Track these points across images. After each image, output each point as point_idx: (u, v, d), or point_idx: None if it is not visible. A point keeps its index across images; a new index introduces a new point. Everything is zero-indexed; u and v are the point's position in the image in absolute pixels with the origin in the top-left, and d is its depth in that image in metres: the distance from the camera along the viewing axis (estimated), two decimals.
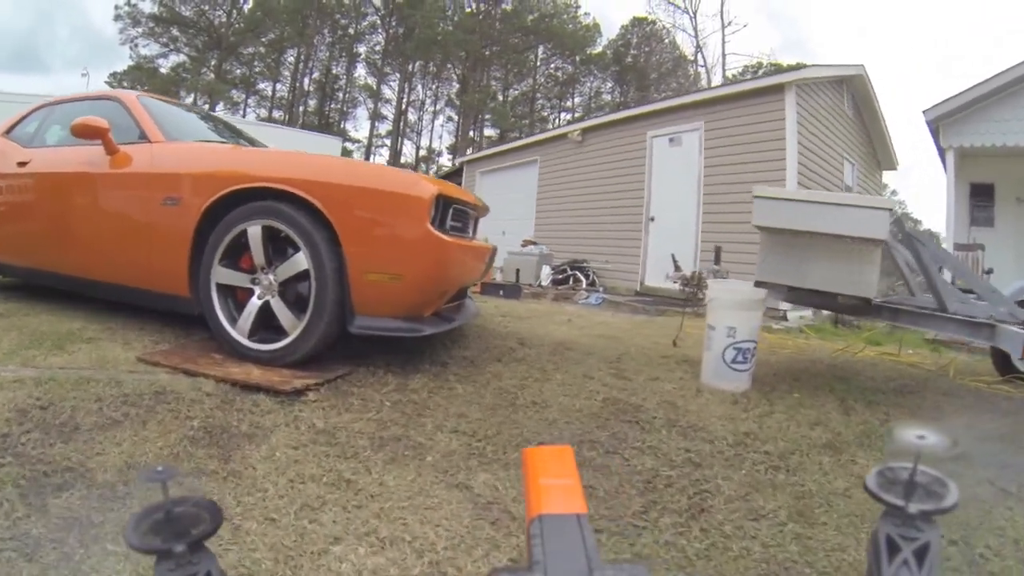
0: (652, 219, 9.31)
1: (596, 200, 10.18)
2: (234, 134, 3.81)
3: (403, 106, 39.81)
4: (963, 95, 8.24)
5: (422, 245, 2.49)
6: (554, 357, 3.27)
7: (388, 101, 39.94)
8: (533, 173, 12.02)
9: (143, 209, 2.81)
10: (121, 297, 3.12)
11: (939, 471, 0.57)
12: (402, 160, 39.72)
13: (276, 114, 37.49)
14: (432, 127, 41.47)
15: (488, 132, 40.11)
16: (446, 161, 40.62)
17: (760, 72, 36.98)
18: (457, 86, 40.20)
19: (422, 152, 41.14)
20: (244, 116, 35.28)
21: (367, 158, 39.29)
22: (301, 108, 38.69)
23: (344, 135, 37.48)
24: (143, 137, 3.02)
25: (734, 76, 36.11)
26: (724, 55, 35.21)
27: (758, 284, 3.00)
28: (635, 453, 2.05)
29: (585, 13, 39.97)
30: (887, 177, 12.21)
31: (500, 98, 39.37)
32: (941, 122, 8.55)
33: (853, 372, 3.63)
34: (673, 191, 8.95)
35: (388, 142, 40.33)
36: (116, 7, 33.96)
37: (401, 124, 39.99)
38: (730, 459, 2.07)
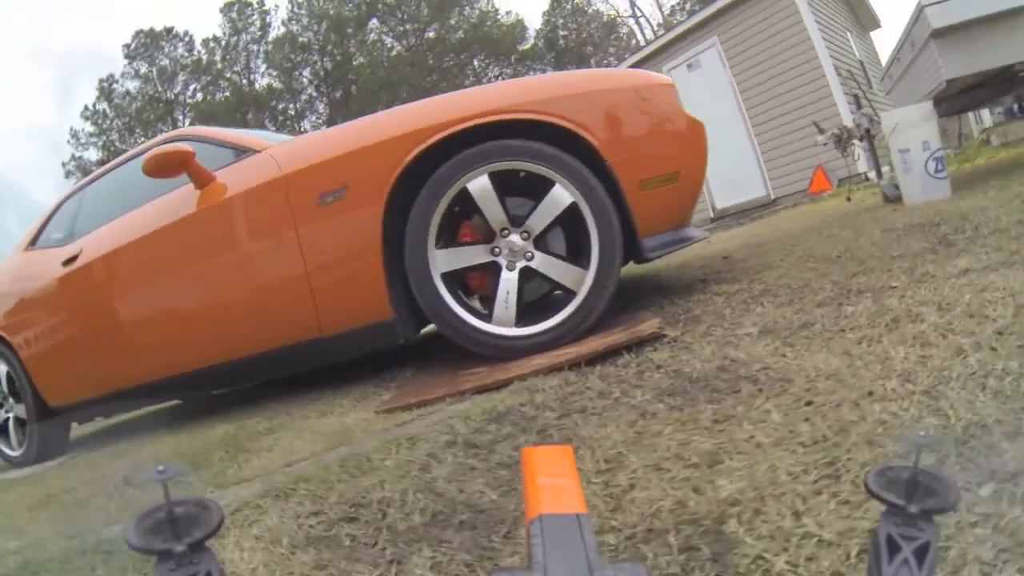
0: None
1: None
2: None
3: None
4: None
5: (688, 132, 1.98)
6: (767, 247, 2.89)
7: None
8: None
9: (290, 224, 2.00)
10: (277, 370, 2.39)
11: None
12: None
13: None
14: None
15: None
16: None
17: (688, 5, 37.01)
18: None
19: None
20: None
21: None
22: None
23: None
24: (242, 152, 2.28)
25: (669, 19, 35.99)
26: None
27: (949, 84, 3.02)
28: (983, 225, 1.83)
29: (506, 13, 39.85)
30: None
31: None
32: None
33: (1000, 170, 3.52)
34: (711, 111, 8.34)
35: None
36: (63, 164, 33.76)
37: None
38: None
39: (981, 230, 1.75)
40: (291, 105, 38.35)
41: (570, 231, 2.04)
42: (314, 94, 38.47)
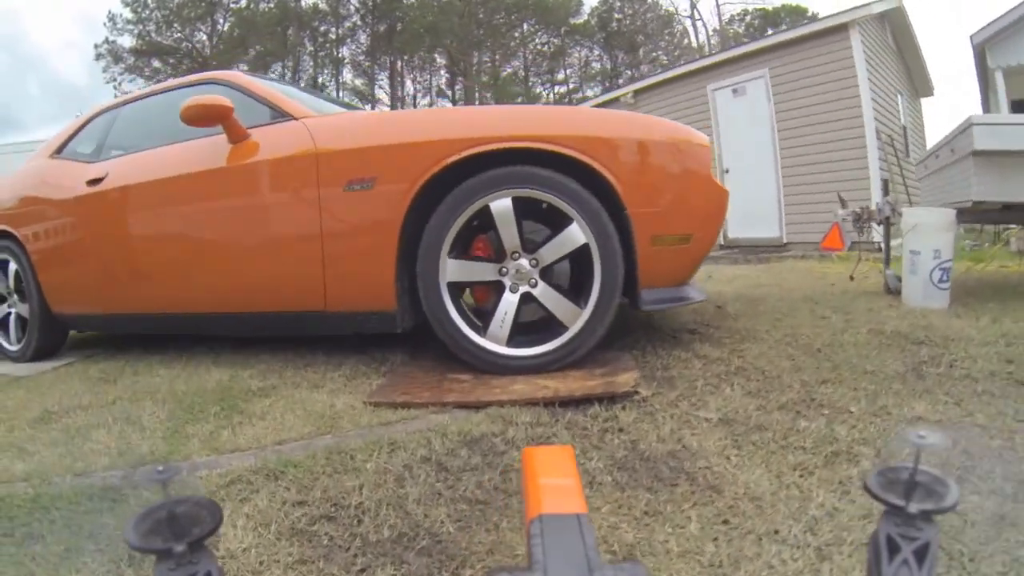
0: (727, 171, 8.73)
1: None
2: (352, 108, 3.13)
3: (396, 103, 38.94)
4: (1011, 13, 8.61)
5: (711, 197, 2.04)
6: (760, 308, 3.05)
7: (380, 101, 39.06)
8: None
9: (312, 203, 2.08)
10: (276, 329, 2.48)
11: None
12: None
13: None
14: None
15: None
16: None
17: (747, 18, 36.29)
18: (446, 76, 39.26)
19: None
20: None
21: None
22: None
23: None
24: (279, 115, 2.31)
25: (726, 27, 35.27)
26: (719, 4, 34.23)
27: (976, 204, 2.98)
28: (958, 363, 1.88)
29: None
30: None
31: (496, 78, 38.39)
32: (988, 44, 9.10)
33: (1008, 284, 3.64)
34: (745, 141, 8.64)
35: None
36: (96, 46, 33.19)
37: None
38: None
39: (954, 370, 1.78)
40: (333, 29, 37.69)
41: (576, 262, 2.12)
42: (358, 23, 37.78)
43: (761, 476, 1.20)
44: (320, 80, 38.31)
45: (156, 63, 34.09)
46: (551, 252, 1.88)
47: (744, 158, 8.54)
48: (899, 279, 3.31)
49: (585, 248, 1.84)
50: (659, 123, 2.06)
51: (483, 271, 1.94)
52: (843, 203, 4.47)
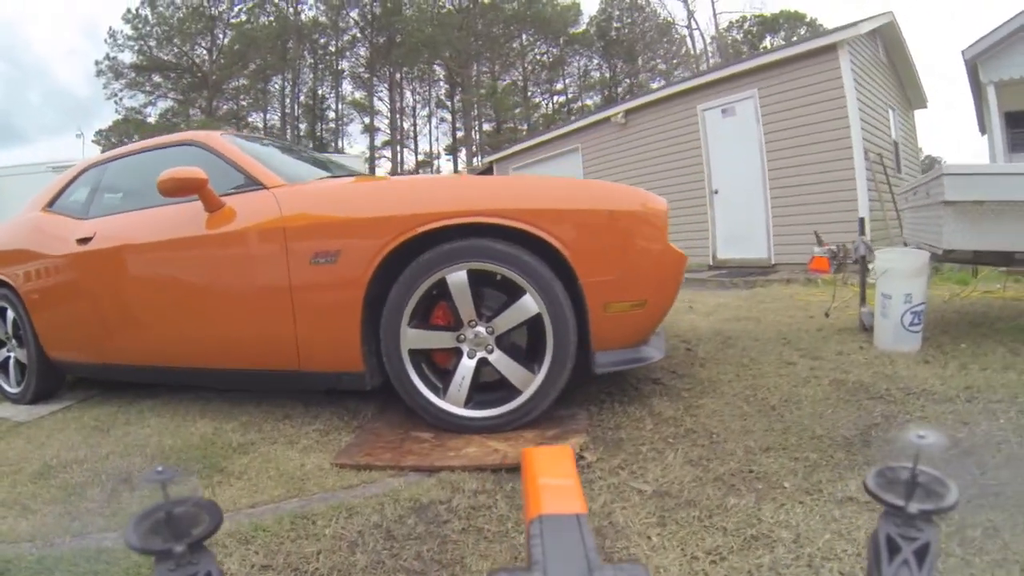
0: (716, 191, 8.92)
1: (652, 179, 9.69)
2: (339, 168, 3.30)
3: (396, 115, 39.25)
4: (1000, 29, 8.74)
5: (665, 264, 2.16)
6: (730, 351, 3.16)
7: (379, 112, 39.39)
8: (576, 161, 11.48)
9: (282, 272, 2.21)
10: (257, 385, 2.65)
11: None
12: (404, 168, 39.22)
13: None
14: (428, 130, 40.90)
15: (485, 127, 39.49)
16: (446, 164, 40.21)
17: (745, 25, 36.43)
18: (445, 87, 39.58)
19: (421, 157, 40.57)
20: None
21: (370, 172, 38.83)
22: (293, 133, 38.19)
23: (340, 153, 37.10)
24: (252, 183, 2.45)
25: (724, 34, 35.47)
26: (716, 13, 34.47)
27: (946, 252, 3.05)
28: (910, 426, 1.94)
29: None
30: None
31: (494, 90, 38.64)
32: (979, 59, 9.21)
33: (987, 316, 3.79)
34: (734, 162, 8.72)
35: (387, 153, 39.77)
36: (96, 62, 33.63)
37: (397, 133, 39.41)
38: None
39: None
40: (333, 42, 38.08)
41: (532, 327, 2.25)
42: (358, 36, 38.19)
43: (673, 560, 1.29)
44: (320, 92, 38.68)
45: (157, 78, 34.47)
46: (505, 321, 2.02)
47: (733, 179, 8.67)
48: (873, 315, 3.32)
49: (539, 316, 1.98)
50: (615, 192, 2.15)
51: (441, 339, 2.08)
52: (819, 240, 4.58)
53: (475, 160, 29.80)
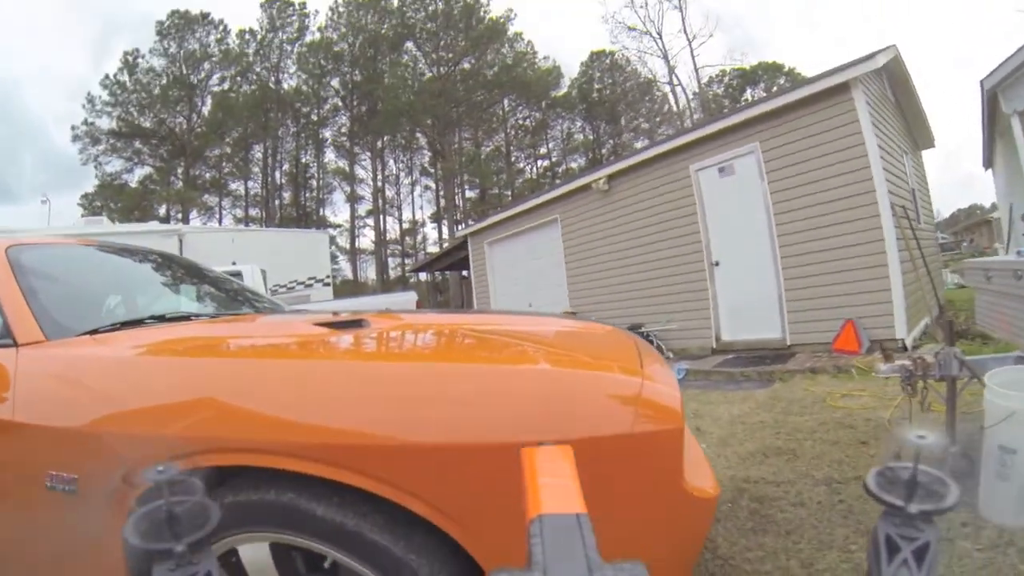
0: (716, 263, 7.78)
1: (641, 253, 8.66)
2: (195, 278, 2.16)
3: (379, 183, 38.77)
4: (1018, 55, 7.50)
5: (675, 527, 1.22)
6: (767, 536, 2.14)
7: (362, 181, 38.88)
8: (555, 233, 10.38)
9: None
10: None
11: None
12: (387, 237, 38.51)
13: (252, 212, 36.27)
14: (411, 199, 40.22)
15: (469, 194, 39.01)
16: (431, 232, 39.52)
17: (726, 79, 36.73)
18: (428, 154, 39.26)
19: (405, 225, 39.79)
20: (220, 221, 34.17)
21: (351, 242, 38.05)
22: (276, 202, 37.48)
23: (324, 222, 36.39)
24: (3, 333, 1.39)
25: (706, 89, 35.77)
26: (697, 69, 34.80)
27: None
28: None
29: (544, 57, 39.57)
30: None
31: (475, 157, 38.41)
32: (1000, 87, 7.94)
33: None
34: (737, 227, 7.58)
35: (370, 222, 38.93)
36: (73, 127, 33.00)
37: (380, 202, 38.75)
38: None
39: None
40: (315, 111, 37.93)
41: None
42: (339, 105, 38.14)
43: None
44: (303, 160, 38.28)
45: (138, 144, 33.90)
46: None
47: (736, 247, 7.53)
48: (969, 458, 2.33)
49: None
50: (581, 387, 1.11)
51: None
52: (886, 356, 3.44)
53: (456, 229, 28.47)
